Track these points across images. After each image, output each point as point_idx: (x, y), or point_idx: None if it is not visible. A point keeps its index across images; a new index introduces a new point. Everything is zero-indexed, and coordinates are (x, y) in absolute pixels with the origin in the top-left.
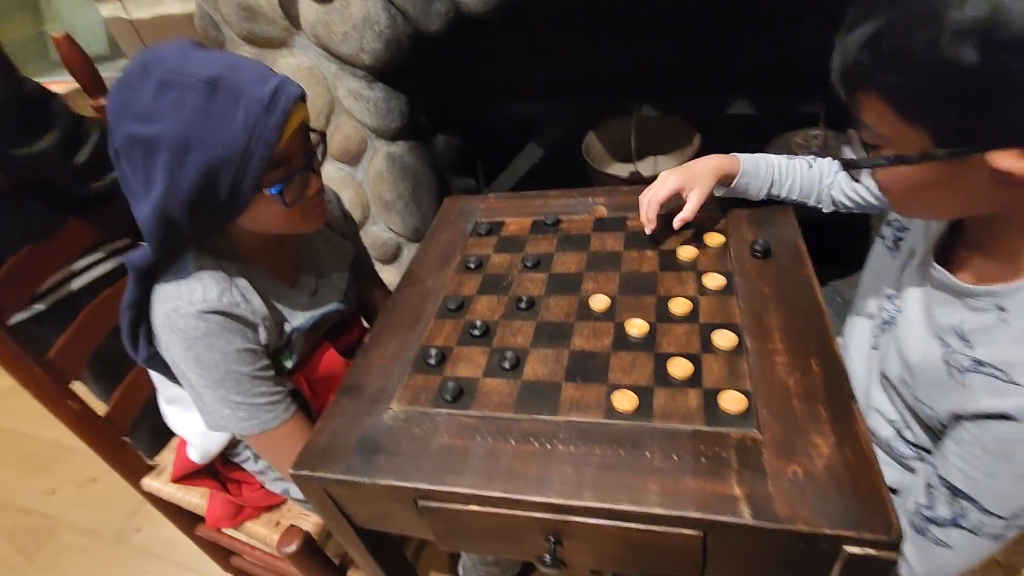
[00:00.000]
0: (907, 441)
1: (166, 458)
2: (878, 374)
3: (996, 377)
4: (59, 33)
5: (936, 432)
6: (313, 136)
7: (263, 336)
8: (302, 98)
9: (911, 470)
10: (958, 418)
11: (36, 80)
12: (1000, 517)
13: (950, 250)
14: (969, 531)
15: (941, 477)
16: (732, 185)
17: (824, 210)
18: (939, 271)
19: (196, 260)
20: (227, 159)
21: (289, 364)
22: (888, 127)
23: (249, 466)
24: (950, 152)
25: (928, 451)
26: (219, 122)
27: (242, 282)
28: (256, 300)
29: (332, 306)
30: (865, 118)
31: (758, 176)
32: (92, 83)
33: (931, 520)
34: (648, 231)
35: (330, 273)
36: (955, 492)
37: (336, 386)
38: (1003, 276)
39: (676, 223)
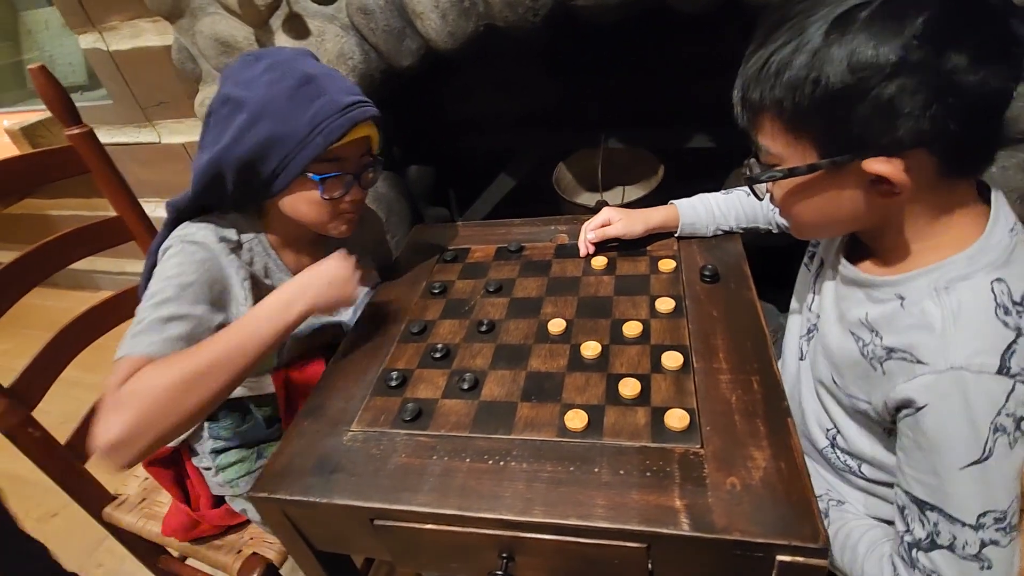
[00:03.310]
0: (841, 449)
1: (129, 487)
2: (812, 382)
3: (905, 360)
4: (35, 65)
5: (875, 432)
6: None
7: (234, 310)
8: (375, 120)
9: (852, 476)
10: (890, 410)
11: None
12: (967, 525)
13: (855, 249)
14: (948, 550)
15: (905, 491)
16: (678, 233)
17: (773, 232)
18: (846, 266)
19: (229, 219)
20: (286, 139)
21: (272, 362)
22: (780, 144)
23: (210, 477)
24: (832, 161)
25: (860, 458)
26: (295, 107)
27: (260, 249)
28: (260, 269)
29: (337, 318)
30: (761, 139)
31: (699, 218)
32: (66, 113)
33: (913, 545)
34: (581, 255)
35: None
36: (920, 504)
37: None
38: (900, 267)
39: (591, 237)
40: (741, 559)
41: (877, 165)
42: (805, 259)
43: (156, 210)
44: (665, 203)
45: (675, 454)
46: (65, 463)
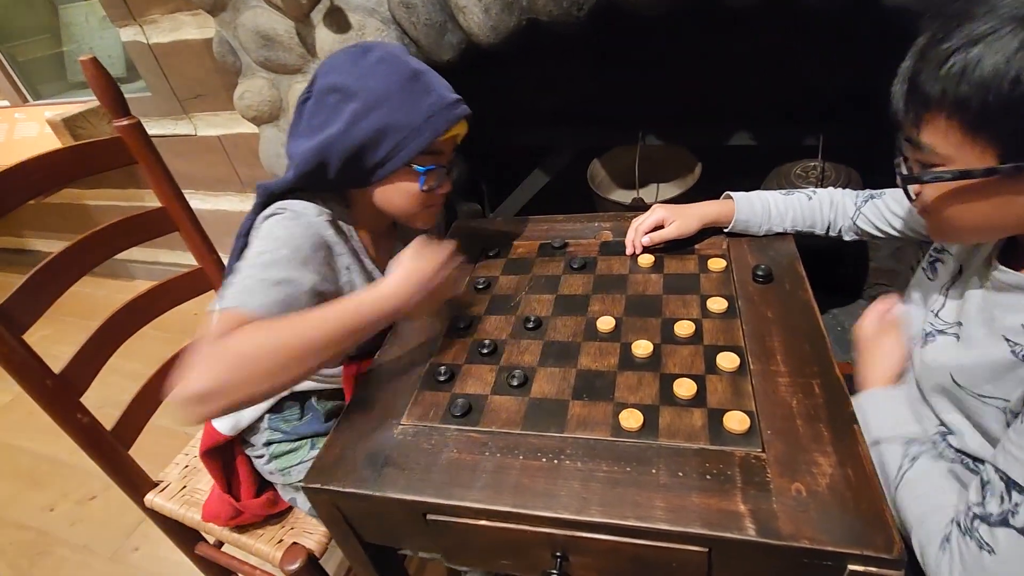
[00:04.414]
0: (952, 447)
1: (170, 474)
2: (917, 385)
3: None
4: (86, 56)
5: (992, 431)
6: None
7: (339, 279)
8: (468, 119)
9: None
10: None
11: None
12: None
13: (1011, 255)
14: (1018, 531)
15: (998, 469)
16: (730, 227)
17: (845, 238)
18: (1004, 272)
19: (323, 199)
20: (400, 127)
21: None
22: (951, 145)
23: (261, 464)
24: (1016, 166)
25: (973, 457)
26: (410, 99)
27: (346, 228)
28: (348, 250)
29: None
30: (925, 138)
31: (754, 215)
32: (115, 105)
33: (979, 517)
34: (628, 253)
35: None
36: (1010, 484)
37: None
38: None
39: (646, 241)
40: (808, 567)
41: None
42: (924, 264)
43: (190, 201)
44: (701, 202)
45: (735, 457)
46: (110, 449)
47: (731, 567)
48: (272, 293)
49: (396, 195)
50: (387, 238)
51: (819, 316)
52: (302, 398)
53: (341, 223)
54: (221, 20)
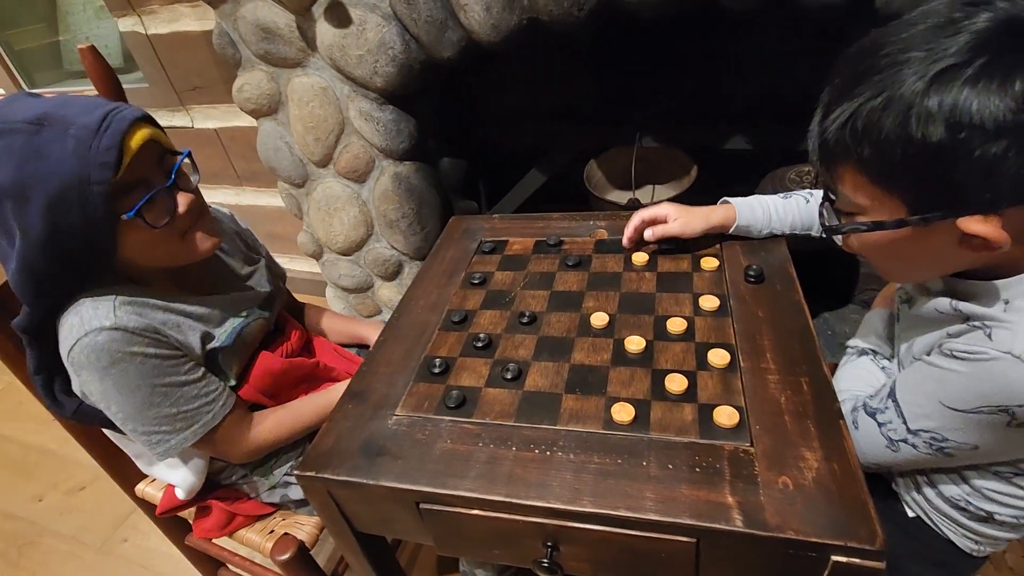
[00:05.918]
0: None
1: None
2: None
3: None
4: (84, 44)
5: None
6: (186, 161)
7: (182, 338)
8: (144, 119)
9: None
10: (941, 348)
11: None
12: (906, 425)
13: None
14: (878, 424)
15: (894, 383)
16: (732, 231)
17: (839, 244)
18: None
19: (90, 297)
20: (66, 190)
21: (229, 382)
22: (865, 197)
23: (243, 483)
24: (922, 218)
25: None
26: (49, 156)
27: (146, 301)
28: (163, 315)
29: (254, 315)
30: (843, 188)
31: (755, 220)
32: (113, 93)
33: (863, 407)
34: (624, 242)
35: (245, 288)
36: (892, 395)
37: (291, 381)
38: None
39: (648, 234)
40: (793, 558)
41: (973, 225)
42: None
43: None
44: (697, 204)
45: (724, 451)
46: (103, 439)
47: (719, 557)
48: (193, 403)
49: (146, 249)
50: (194, 268)
51: (809, 316)
52: None
53: (134, 302)
54: (221, 12)
